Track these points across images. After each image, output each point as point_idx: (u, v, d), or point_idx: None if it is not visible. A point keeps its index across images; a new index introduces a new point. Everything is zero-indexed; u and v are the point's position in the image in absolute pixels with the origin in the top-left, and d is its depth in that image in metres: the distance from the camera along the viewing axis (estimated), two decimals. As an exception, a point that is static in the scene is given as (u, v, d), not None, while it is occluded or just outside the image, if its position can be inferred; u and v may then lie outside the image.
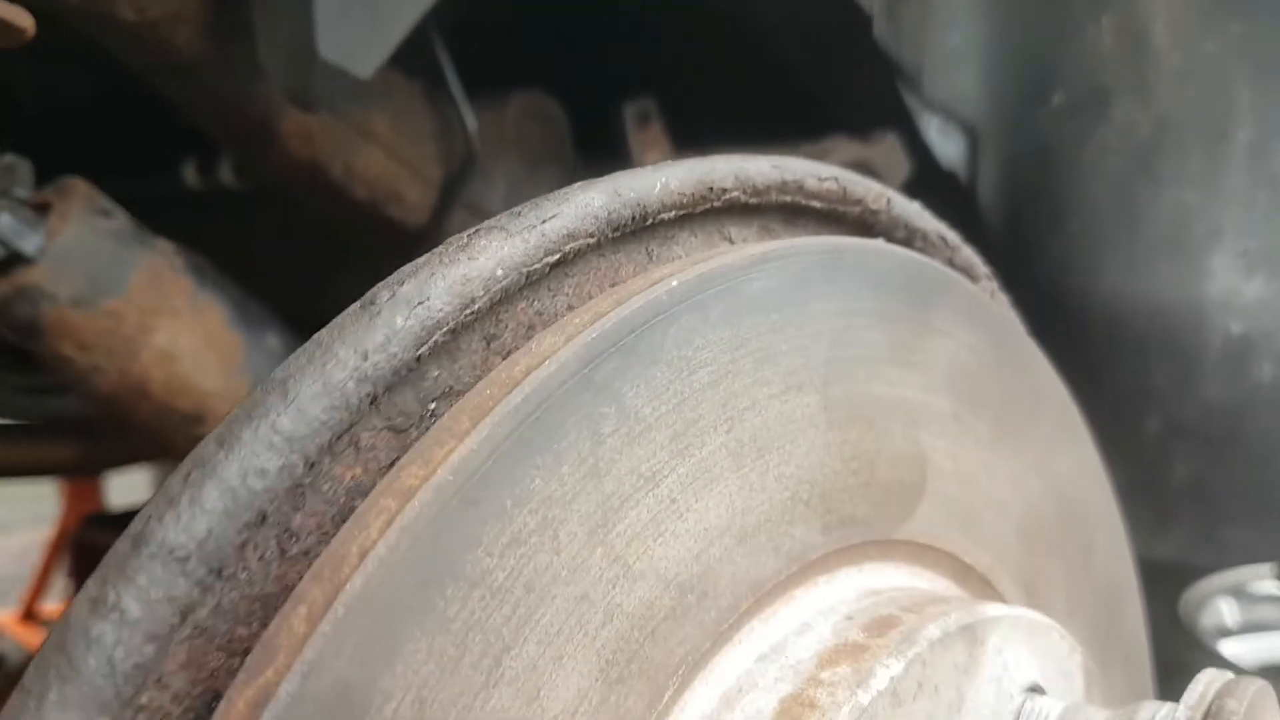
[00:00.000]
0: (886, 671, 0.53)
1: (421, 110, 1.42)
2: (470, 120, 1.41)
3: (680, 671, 0.52)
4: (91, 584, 0.38)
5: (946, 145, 1.60)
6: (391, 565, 0.40)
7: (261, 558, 0.42)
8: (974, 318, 0.73)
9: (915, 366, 0.68)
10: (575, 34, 1.64)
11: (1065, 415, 0.82)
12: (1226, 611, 1.65)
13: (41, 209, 1.11)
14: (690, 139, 1.56)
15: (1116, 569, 0.87)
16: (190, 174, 1.66)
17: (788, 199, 0.65)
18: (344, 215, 1.40)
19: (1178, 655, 1.80)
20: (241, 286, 1.28)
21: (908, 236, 0.74)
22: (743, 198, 0.61)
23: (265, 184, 1.48)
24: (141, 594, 0.38)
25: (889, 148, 1.58)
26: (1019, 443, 0.76)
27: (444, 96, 1.42)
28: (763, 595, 0.57)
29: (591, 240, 0.52)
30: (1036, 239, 1.58)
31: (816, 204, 0.67)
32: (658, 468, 0.51)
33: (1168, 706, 0.57)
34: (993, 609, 0.62)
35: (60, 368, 1.12)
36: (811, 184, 0.65)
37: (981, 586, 0.72)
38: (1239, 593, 1.64)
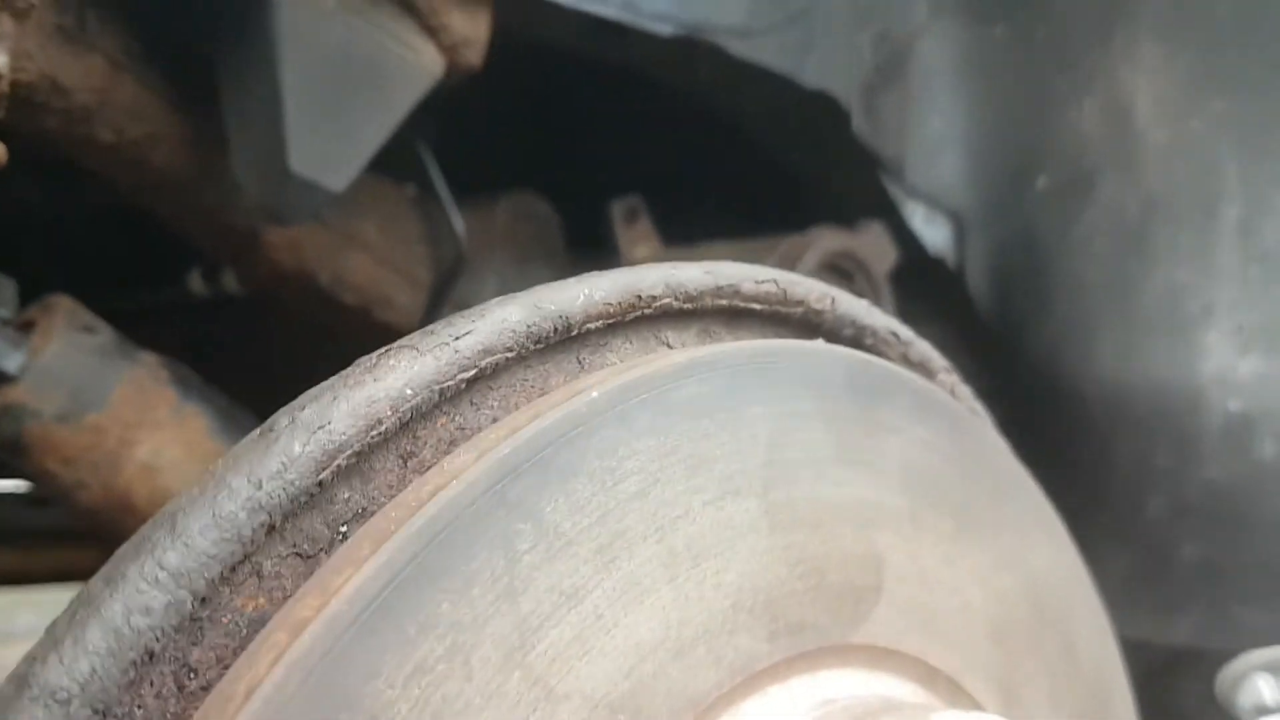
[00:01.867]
0: (825, 790, 0.52)
1: (409, 215, 1.44)
2: (458, 223, 1.43)
3: (611, 801, 0.51)
4: (-27, 730, 0.38)
5: (933, 232, 1.61)
6: (280, 702, 0.39)
7: (158, 694, 0.41)
8: (928, 413, 0.72)
9: (865, 466, 0.67)
10: (563, 133, 1.67)
11: (1034, 509, 0.80)
12: (1265, 689, 1.60)
13: (25, 327, 1.12)
14: (678, 234, 1.58)
15: (1102, 663, 0.84)
16: (196, 282, 1.68)
17: (725, 303, 0.64)
18: (335, 321, 1.41)
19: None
20: (251, 393, 1.29)
21: (856, 334, 0.73)
22: (675, 304, 0.61)
23: (268, 291, 1.50)
24: (20, 739, 0.37)
25: (875, 236, 1.59)
26: (985, 539, 0.75)
27: (432, 200, 1.44)
28: (704, 710, 0.56)
29: (510, 354, 0.52)
30: (1028, 323, 1.58)
31: (757, 306, 0.67)
32: (581, 583, 0.50)
33: None
34: (947, 716, 0.60)
35: (45, 483, 1.13)
36: (748, 287, 0.65)
37: (950, 689, 0.70)
38: (1277, 670, 1.59)
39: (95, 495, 1.14)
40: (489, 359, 0.51)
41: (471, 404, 0.53)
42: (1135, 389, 1.47)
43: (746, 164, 1.64)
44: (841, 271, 1.55)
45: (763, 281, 0.66)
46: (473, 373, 0.51)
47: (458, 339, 0.50)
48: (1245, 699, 1.59)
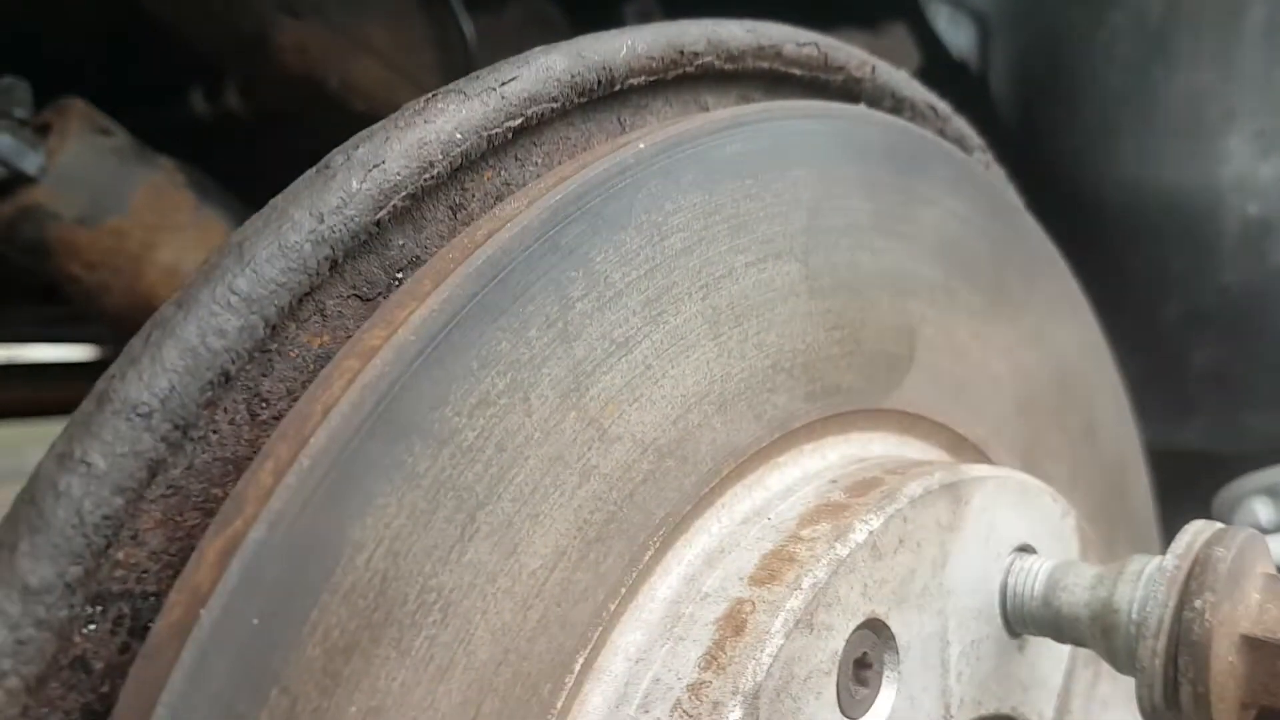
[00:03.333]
0: (865, 526, 0.54)
1: (418, 19, 1.41)
2: (468, 27, 1.40)
3: (661, 533, 0.53)
4: (59, 441, 0.39)
5: (957, 35, 1.57)
6: (356, 421, 0.41)
7: (232, 421, 0.43)
8: (964, 187, 0.72)
9: (902, 236, 0.67)
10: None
11: (1063, 288, 0.81)
12: (1261, 511, 1.63)
13: (42, 130, 1.11)
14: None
15: (1121, 443, 0.86)
16: (198, 101, 1.65)
17: (765, 65, 0.64)
18: (342, 131, 1.39)
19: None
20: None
21: (895, 105, 0.73)
22: (717, 63, 0.60)
23: (272, 108, 1.48)
24: (106, 449, 0.39)
25: (896, 39, 1.55)
26: (1014, 314, 0.76)
27: (440, 4, 1.40)
28: (745, 461, 0.57)
29: (555, 105, 0.52)
30: (1051, 128, 1.55)
31: (797, 71, 0.66)
32: (631, 333, 0.51)
33: (1157, 558, 0.57)
34: (978, 470, 0.62)
35: (69, 287, 1.13)
36: (790, 50, 0.64)
37: (976, 456, 0.72)
38: (1274, 492, 1.63)
39: (119, 299, 1.15)
40: (534, 108, 0.51)
41: (516, 159, 0.53)
42: (1155, 194, 1.46)
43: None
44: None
45: (804, 44, 0.65)
46: (519, 121, 0.50)
47: (504, 84, 0.50)
48: (1242, 520, 1.63)
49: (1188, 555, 0.55)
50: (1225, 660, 0.52)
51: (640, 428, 0.51)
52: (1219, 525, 0.56)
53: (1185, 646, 0.53)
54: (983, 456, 0.73)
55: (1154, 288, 1.48)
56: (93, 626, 0.39)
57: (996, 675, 0.61)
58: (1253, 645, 0.53)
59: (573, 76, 0.52)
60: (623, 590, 0.51)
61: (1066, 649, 0.66)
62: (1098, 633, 0.57)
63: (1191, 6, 1.43)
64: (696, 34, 0.58)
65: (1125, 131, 1.47)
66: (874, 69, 0.70)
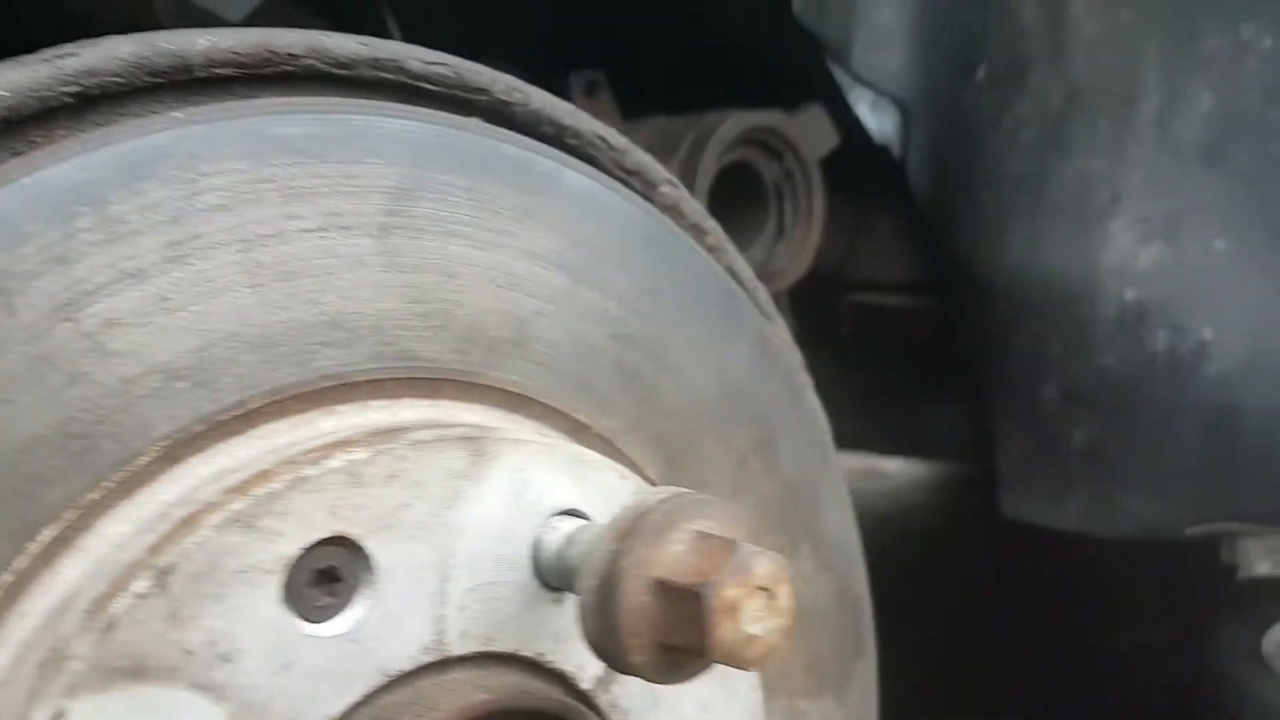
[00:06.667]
0: (345, 456, 0.61)
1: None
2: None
3: (164, 445, 0.61)
4: None
5: (880, 120, 1.64)
6: None
7: None
8: (603, 209, 0.78)
9: (514, 237, 0.74)
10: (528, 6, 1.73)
11: (731, 314, 0.86)
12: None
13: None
14: (640, 113, 1.64)
15: (805, 466, 0.90)
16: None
17: (389, 77, 0.72)
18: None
19: (1258, 692, 1.77)
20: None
21: (557, 133, 0.80)
22: (322, 66, 0.69)
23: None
24: None
25: (810, 118, 1.61)
26: (664, 327, 0.81)
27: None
28: (285, 401, 0.65)
29: (119, 80, 0.62)
30: (956, 214, 1.60)
31: (430, 87, 0.74)
32: (145, 267, 0.60)
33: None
34: (518, 435, 0.68)
35: None
36: (415, 65, 0.73)
37: (600, 445, 0.78)
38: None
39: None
40: (94, 79, 0.61)
41: (95, 124, 0.63)
42: (1039, 276, 1.49)
43: (702, 45, 1.68)
44: (769, 149, 1.58)
45: (433, 63, 0.74)
46: (76, 89, 0.60)
47: (61, 58, 0.60)
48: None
49: (634, 509, 0.60)
50: (638, 599, 0.58)
51: (148, 350, 0.60)
52: (677, 490, 0.62)
53: (604, 585, 0.58)
54: (611, 446, 0.78)
55: (1035, 367, 1.50)
56: None
57: (520, 620, 0.66)
58: (665, 588, 0.58)
59: (139, 59, 0.62)
60: (109, 484, 0.59)
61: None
62: (579, 581, 0.63)
63: (1090, 95, 1.48)
64: (294, 38, 0.68)
65: (1017, 216, 1.52)
66: (526, 95, 0.78)
